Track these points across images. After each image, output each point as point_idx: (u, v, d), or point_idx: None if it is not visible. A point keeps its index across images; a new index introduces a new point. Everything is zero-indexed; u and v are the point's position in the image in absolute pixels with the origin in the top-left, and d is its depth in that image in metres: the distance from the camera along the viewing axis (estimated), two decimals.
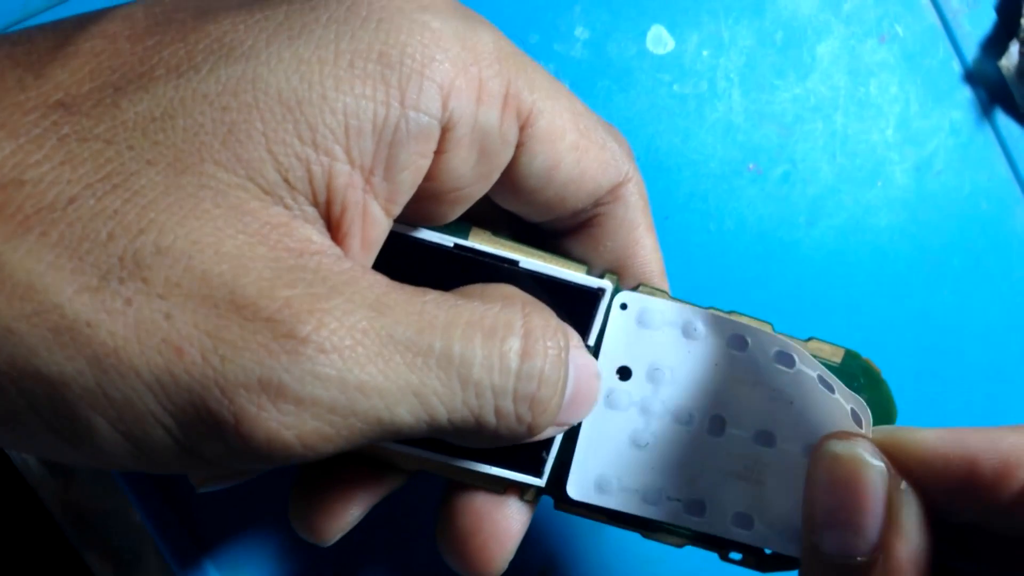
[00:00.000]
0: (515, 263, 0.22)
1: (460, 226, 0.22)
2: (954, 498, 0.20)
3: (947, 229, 0.33)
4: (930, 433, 0.21)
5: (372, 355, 0.17)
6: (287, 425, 0.17)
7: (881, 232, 0.33)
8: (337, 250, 0.18)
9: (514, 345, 0.19)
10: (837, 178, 0.33)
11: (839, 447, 0.21)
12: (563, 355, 0.20)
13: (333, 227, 0.18)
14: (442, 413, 0.18)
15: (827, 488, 0.21)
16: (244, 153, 0.17)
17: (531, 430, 0.20)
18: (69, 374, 0.16)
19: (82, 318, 0.16)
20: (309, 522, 0.23)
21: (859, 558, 0.20)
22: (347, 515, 0.23)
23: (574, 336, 0.22)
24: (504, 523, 0.23)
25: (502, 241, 0.22)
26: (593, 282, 0.23)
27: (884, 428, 0.22)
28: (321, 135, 0.18)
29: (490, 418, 0.19)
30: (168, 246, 0.16)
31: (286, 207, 0.18)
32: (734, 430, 0.23)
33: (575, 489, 0.23)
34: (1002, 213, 0.33)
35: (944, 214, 0.33)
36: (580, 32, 0.33)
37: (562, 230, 0.24)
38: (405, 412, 0.18)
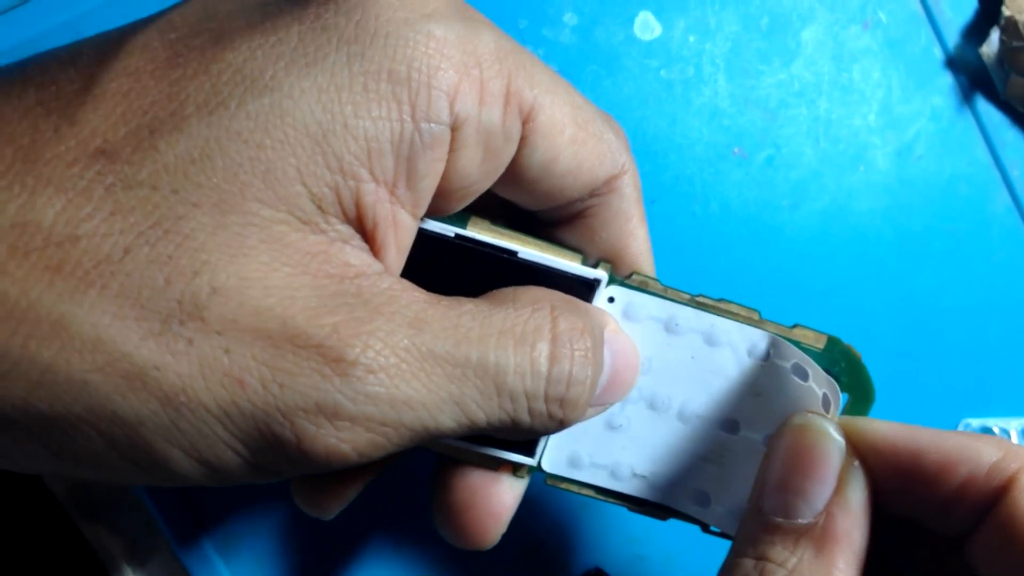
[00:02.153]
0: (514, 253, 0.23)
1: (459, 215, 0.22)
2: (898, 488, 0.22)
3: (928, 213, 0.34)
4: (884, 424, 0.22)
5: (415, 371, 0.19)
6: (344, 439, 0.18)
7: (863, 216, 0.34)
8: (376, 267, 0.19)
9: (544, 351, 0.20)
10: (820, 162, 0.34)
11: (807, 419, 0.22)
12: (590, 355, 0.21)
13: (368, 239, 0.20)
14: (481, 417, 0.20)
15: (787, 454, 0.22)
16: (282, 189, 0.18)
17: (563, 424, 0.21)
18: (144, 415, 0.17)
19: (150, 363, 0.17)
20: (312, 499, 0.24)
21: (800, 520, 0.21)
22: (348, 491, 0.24)
23: (610, 321, 0.23)
24: (498, 498, 0.24)
25: (500, 230, 0.23)
26: (589, 272, 0.23)
27: (843, 417, 0.23)
28: (347, 162, 0.18)
29: (525, 418, 0.20)
30: (221, 285, 0.17)
31: (322, 232, 0.19)
32: (702, 417, 0.25)
33: (549, 463, 0.25)
34: (982, 197, 0.34)
35: (925, 198, 0.34)
36: (568, 18, 0.33)
37: (558, 219, 0.25)
38: (448, 420, 0.19)
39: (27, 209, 0.17)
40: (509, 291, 0.22)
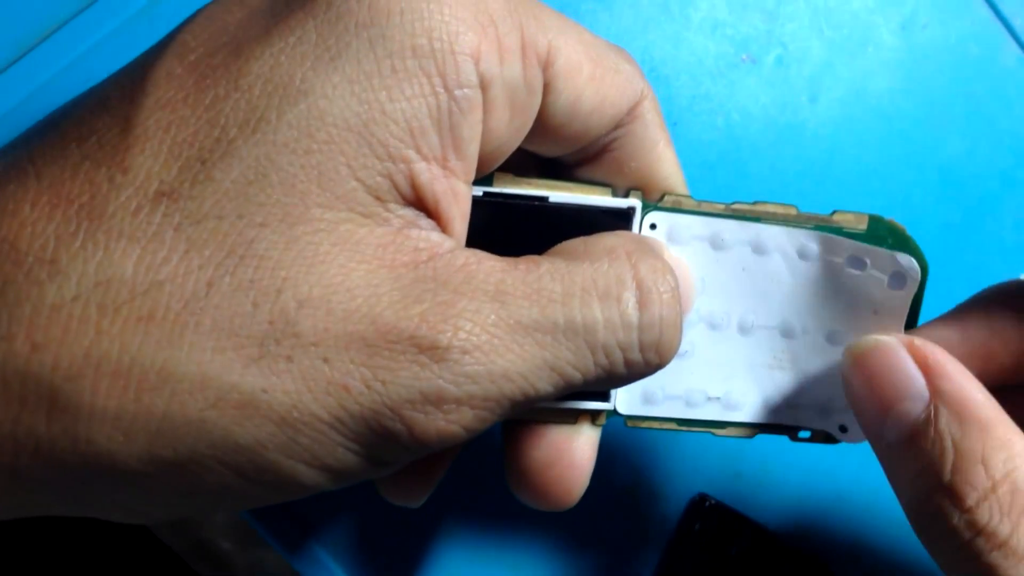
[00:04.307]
0: (544, 199, 0.23)
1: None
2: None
3: (943, 79, 0.34)
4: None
5: (507, 344, 0.19)
6: (452, 420, 0.19)
7: (881, 95, 0.34)
8: (446, 243, 0.19)
9: (630, 300, 0.20)
10: (829, 52, 0.34)
11: (853, 347, 0.23)
12: (676, 292, 0.21)
13: (433, 216, 0.20)
14: (578, 377, 0.20)
15: (867, 380, 0.22)
16: (338, 189, 0.18)
17: (658, 368, 0.21)
18: (263, 438, 0.18)
19: (257, 388, 0.17)
20: (400, 491, 0.24)
21: (920, 413, 0.21)
22: (435, 475, 0.24)
23: (663, 249, 0.23)
24: (579, 451, 0.24)
25: (526, 180, 0.23)
26: (622, 202, 0.23)
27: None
28: (393, 147, 0.18)
29: (621, 371, 0.20)
30: (306, 297, 0.18)
31: (385, 222, 0.19)
32: (763, 327, 0.25)
33: (625, 405, 0.25)
34: (991, 53, 0.34)
35: (938, 66, 0.34)
36: None
37: (583, 159, 0.25)
38: (546, 385, 0.20)
39: (106, 265, 0.17)
40: (579, 243, 0.21)
